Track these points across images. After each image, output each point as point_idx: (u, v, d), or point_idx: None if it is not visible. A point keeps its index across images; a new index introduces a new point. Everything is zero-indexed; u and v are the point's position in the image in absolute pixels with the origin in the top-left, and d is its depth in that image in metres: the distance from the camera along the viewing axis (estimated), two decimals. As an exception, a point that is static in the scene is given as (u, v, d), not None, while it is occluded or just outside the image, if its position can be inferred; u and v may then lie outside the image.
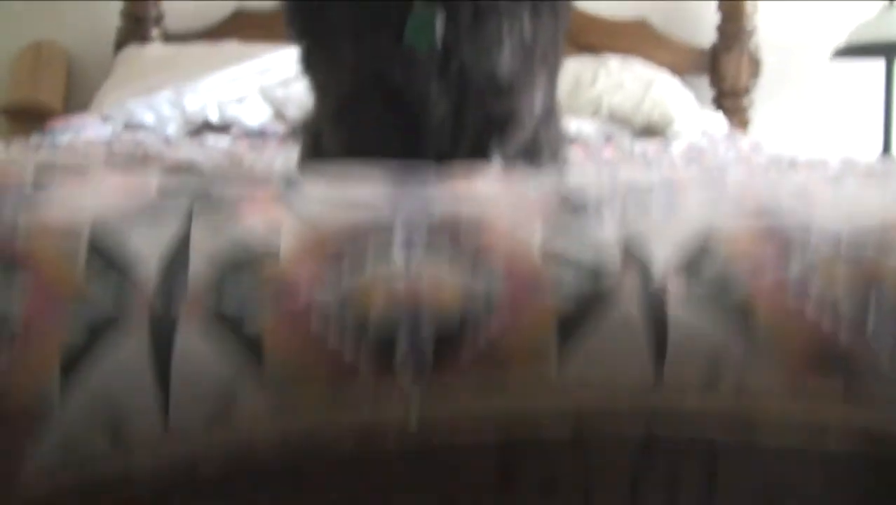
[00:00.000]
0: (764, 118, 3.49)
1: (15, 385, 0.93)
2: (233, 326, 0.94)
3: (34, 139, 2.76)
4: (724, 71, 3.43)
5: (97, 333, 0.94)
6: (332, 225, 1.01)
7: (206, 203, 1.04)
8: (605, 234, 1.02)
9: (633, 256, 0.99)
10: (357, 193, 1.09)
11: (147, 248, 0.98)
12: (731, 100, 3.44)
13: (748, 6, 3.42)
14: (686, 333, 0.95)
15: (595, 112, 2.99)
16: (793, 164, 2.21)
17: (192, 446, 0.93)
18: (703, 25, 3.52)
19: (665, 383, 0.94)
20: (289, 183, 1.14)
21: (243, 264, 0.97)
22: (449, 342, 0.93)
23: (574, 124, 2.83)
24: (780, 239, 1.03)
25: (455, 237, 1.00)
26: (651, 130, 2.97)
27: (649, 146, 2.77)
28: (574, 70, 3.09)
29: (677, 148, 2.68)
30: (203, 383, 0.93)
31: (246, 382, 0.93)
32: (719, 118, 3.24)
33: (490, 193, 1.12)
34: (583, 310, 0.95)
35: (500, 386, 0.93)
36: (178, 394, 0.93)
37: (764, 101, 3.48)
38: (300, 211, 1.04)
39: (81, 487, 0.92)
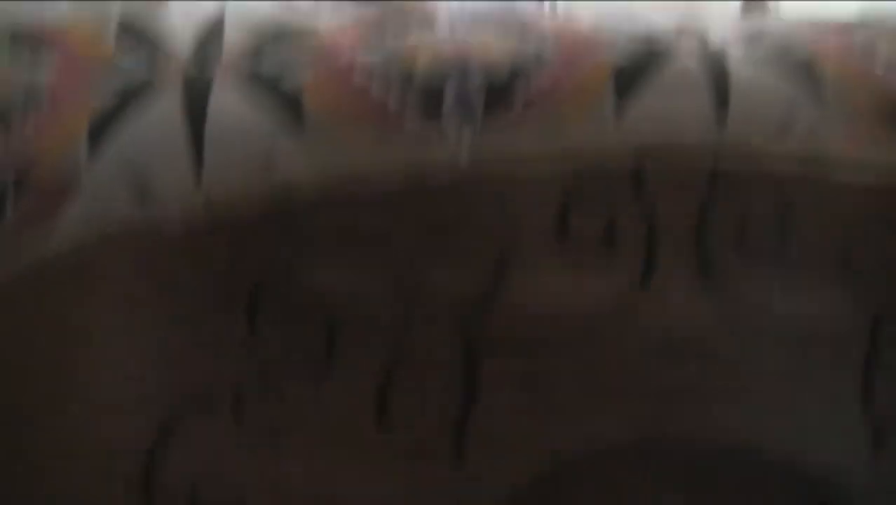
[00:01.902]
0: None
1: (42, 153, 0.89)
2: (270, 84, 0.89)
3: None
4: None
5: (127, 97, 0.89)
6: (374, 4, 0.98)
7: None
8: (655, 15, 0.99)
9: (687, 27, 0.96)
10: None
11: (179, 21, 0.95)
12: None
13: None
14: (749, 86, 0.90)
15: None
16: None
17: (227, 200, 0.88)
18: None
19: (729, 131, 0.89)
20: None
21: (281, 32, 0.93)
22: (499, 91, 0.89)
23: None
24: (839, 22, 0.99)
25: (500, 16, 0.97)
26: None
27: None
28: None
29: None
30: (238, 141, 0.88)
31: (285, 136, 0.88)
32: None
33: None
34: (638, 64, 0.91)
35: (555, 132, 0.88)
36: (211, 152, 0.88)
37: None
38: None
39: (105, 238, 0.88)
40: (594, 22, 0.97)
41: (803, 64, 0.92)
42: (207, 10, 0.96)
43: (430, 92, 0.89)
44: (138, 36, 0.94)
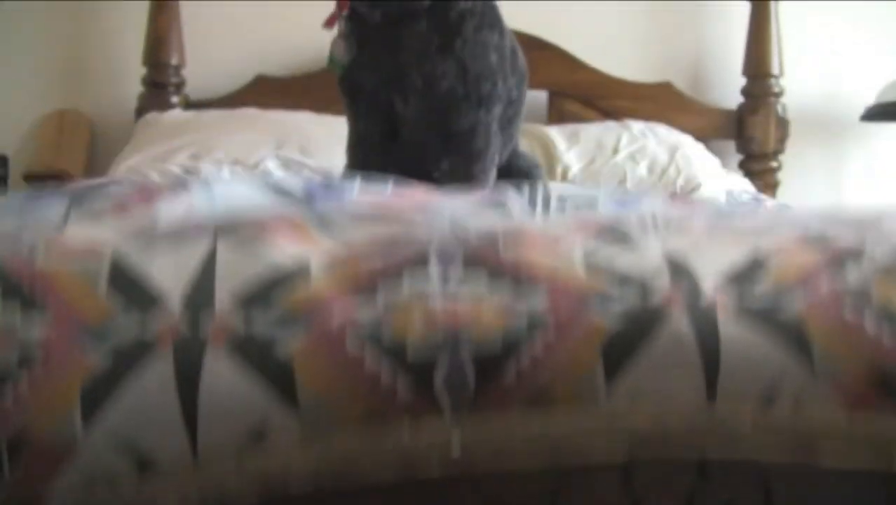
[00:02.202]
0: (793, 180, 3.43)
1: (37, 415, 0.89)
2: (262, 351, 0.89)
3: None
4: (751, 134, 3.34)
5: (120, 360, 0.89)
6: (364, 245, 0.98)
7: (229, 227, 1.01)
8: (650, 249, 0.99)
9: (680, 269, 0.95)
10: (388, 211, 1.07)
11: (172, 272, 0.94)
12: (758, 162, 3.35)
13: (774, 67, 3.38)
14: (739, 352, 0.90)
15: (619, 182, 2.93)
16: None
17: (222, 475, 0.88)
18: (729, 88, 3.47)
19: (719, 404, 0.89)
20: (311, 201, 1.11)
21: (272, 286, 0.93)
22: (491, 365, 0.89)
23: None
24: (832, 251, 0.99)
25: (494, 252, 0.96)
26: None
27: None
28: (596, 136, 3.05)
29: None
30: (232, 412, 0.88)
31: (278, 409, 0.88)
32: (745, 183, 3.20)
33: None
34: (631, 328, 0.91)
35: (545, 410, 0.89)
36: (206, 423, 0.88)
37: (793, 163, 3.42)
38: (329, 231, 1.01)
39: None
40: (586, 255, 0.97)
41: (793, 325, 0.92)
42: (199, 257, 0.96)
43: (422, 367, 0.89)
44: (130, 290, 0.93)
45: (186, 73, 3.48)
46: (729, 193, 2.97)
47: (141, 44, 3.44)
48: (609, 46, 3.51)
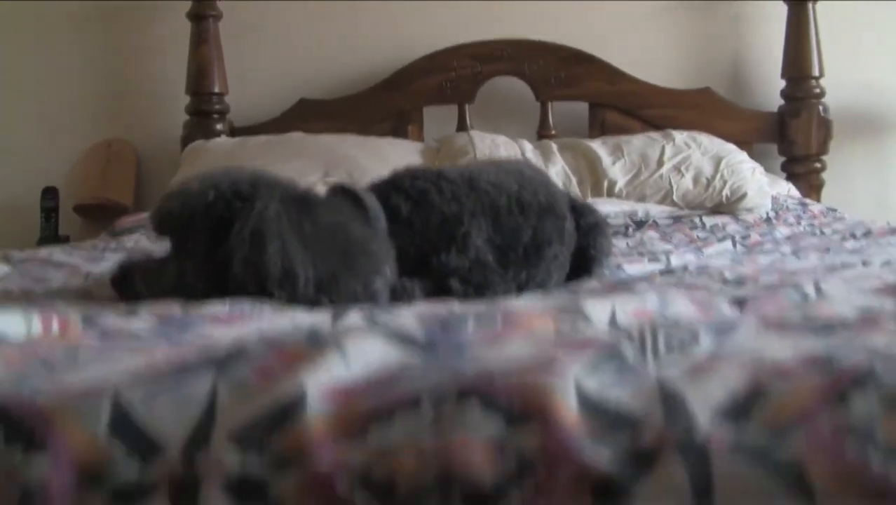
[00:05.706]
0: (838, 180, 3.40)
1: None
2: (256, 492, 0.91)
3: (103, 239, 2.82)
4: (794, 137, 3.33)
5: (118, 500, 0.92)
6: (359, 389, 1.00)
7: (230, 363, 1.03)
8: (646, 378, 0.98)
9: (674, 403, 0.94)
10: (387, 356, 1.08)
11: (172, 415, 0.96)
12: (802, 165, 3.35)
13: (815, 69, 3.34)
14: (734, 496, 0.88)
15: (665, 198, 2.94)
16: (866, 233, 2.39)
17: None
18: (769, 90, 3.45)
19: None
20: (313, 340, 1.11)
21: (267, 427, 0.94)
22: (482, 506, 0.89)
23: (642, 210, 2.88)
24: (837, 374, 0.96)
25: (489, 382, 0.97)
26: (723, 209, 2.90)
27: (720, 220, 2.85)
28: (639, 148, 3.05)
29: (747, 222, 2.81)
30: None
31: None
32: (790, 187, 3.18)
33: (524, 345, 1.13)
34: (622, 471, 0.90)
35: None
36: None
37: (837, 162, 3.39)
38: (326, 371, 1.02)
39: None
40: (578, 385, 0.97)
41: (793, 466, 0.89)
42: (199, 398, 0.98)
43: (412, 506, 0.90)
44: (129, 435, 0.95)
45: (230, 99, 3.52)
46: (774, 200, 2.96)
47: (184, 72, 3.47)
48: (648, 55, 3.50)
